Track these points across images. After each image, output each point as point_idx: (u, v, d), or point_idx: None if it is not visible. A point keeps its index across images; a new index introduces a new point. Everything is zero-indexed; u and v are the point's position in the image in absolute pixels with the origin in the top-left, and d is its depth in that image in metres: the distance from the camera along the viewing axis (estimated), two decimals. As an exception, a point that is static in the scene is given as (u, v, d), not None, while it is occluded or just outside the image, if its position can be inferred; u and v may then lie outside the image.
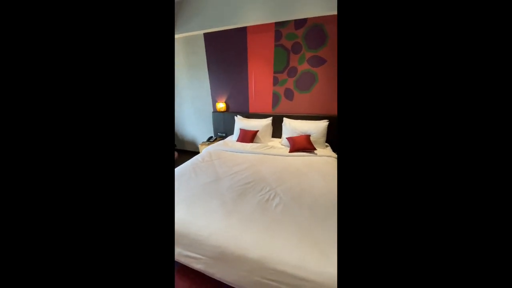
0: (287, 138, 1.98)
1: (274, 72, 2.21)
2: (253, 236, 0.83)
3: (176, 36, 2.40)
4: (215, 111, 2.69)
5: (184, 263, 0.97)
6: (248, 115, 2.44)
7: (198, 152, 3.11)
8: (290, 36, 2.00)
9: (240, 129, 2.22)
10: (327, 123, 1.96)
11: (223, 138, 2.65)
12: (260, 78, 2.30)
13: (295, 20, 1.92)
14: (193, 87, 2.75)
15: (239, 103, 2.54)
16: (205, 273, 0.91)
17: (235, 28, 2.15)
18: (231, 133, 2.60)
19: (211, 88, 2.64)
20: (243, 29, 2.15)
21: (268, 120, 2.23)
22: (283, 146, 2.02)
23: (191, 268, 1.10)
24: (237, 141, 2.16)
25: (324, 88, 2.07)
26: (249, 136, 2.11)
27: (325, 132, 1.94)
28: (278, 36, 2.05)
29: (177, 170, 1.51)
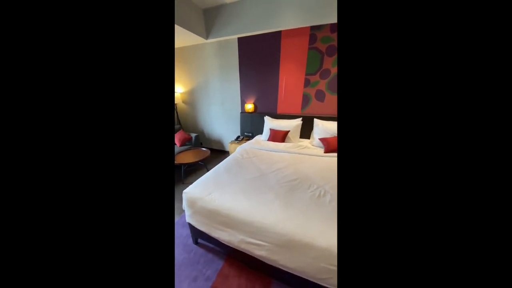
0: (320, 139, 2.02)
1: (306, 74, 2.27)
2: (318, 226, 0.89)
3: (210, 40, 2.55)
4: (243, 112, 2.80)
5: (244, 250, 1.05)
6: (276, 116, 2.52)
7: (225, 151, 3.24)
8: (325, 39, 2.06)
9: (270, 129, 2.30)
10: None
11: (249, 137, 2.74)
12: (291, 80, 2.37)
13: (331, 24, 1.98)
14: (223, 89, 2.88)
15: (268, 104, 2.62)
16: (264, 260, 0.99)
17: (269, 32, 2.25)
18: (258, 132, 2.69)
19: (240, 90, 2.75)
20: (278, 33, 2.24)
21: (298, 121, 2.28)
22: (315, 147, 2.06)
23: (239, 258, 1.18)
24: (267, 140, 2.24)
25: (357, 90, 2.09)
26: (280, 136, 2.18)
27: None
28: (312, 39, 2.11)
29: (224, 164, 1.61)
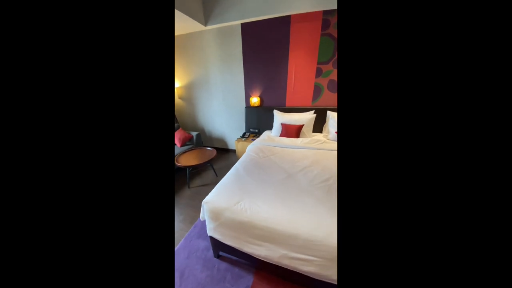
0: (337, 132, 1.90)
1: (318, 63, 2.11)
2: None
3: (209, 27, 2.28)
4: (248, 106, 2.60)
5: (286, 266, 0.90)
6: (285, 109, 2.35)
7: (229, 149, 3.04)
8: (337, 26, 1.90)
9: (282, 124, 2.14)
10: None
11: (256, 134, 2.57)
12: (301, 70, 2.20)
13: (347, 7, 1.82)
14: (225, 81, 2.64)
15: (275, 97, 2.44)
16: (313, 276, 0.85)
17: (277, 17, 2.04)
18: (265, 128, 2.52)
19: (245, 82, 2.53)
20: (287, 18, 2.04)
21: (311, 114, 2.14)
22: (332, 141, 1.94)
23: (271, 270, 1.03)
24: (280, 136, 2.08)
25: (374, 79, 1.98)
26: (294, 131, 2.03)
27: None
28: (325, 25, 1.95)
29: (242, 166, 1.43)
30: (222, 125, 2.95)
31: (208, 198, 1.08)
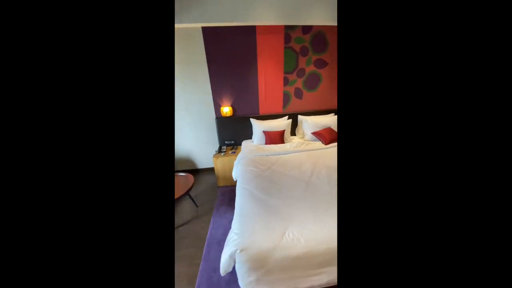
0: (314, 133, 2.14)
1: (284, 73, 2.29)
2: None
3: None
4: (220, 117, 2.37)
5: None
6: (259, 117, 2.36)
7: (200, 169, 2.58)
8: (298, 40, 2.17)
9: (264, 132, 2.12)
10: (337, 115, 2.31)
11: (232, 146, 2.39)
12: (270, 79, 2.30)
13: (302, 26, 2.11)
14: (187, 90, 2.25)
15: (248, 105, 2.39)
16: None
17: (242, 26, 2.01)
18: (242, 138, 2.40)
19: (212, 91, 2.29)
20: (252, 28, 2.06)
21: (286, 119, 2.28)
22: (311, 141, 2.15)
23: None
24: (266, 144, 2.06)
25: (328, 87, 2.42)
26: (277, 137, 2.07)
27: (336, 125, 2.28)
28: (287, 39, 2.15)
29: (250, 186, 1.25)
30: (188, 141, 2.49)
31: (238, 243, 0.83)
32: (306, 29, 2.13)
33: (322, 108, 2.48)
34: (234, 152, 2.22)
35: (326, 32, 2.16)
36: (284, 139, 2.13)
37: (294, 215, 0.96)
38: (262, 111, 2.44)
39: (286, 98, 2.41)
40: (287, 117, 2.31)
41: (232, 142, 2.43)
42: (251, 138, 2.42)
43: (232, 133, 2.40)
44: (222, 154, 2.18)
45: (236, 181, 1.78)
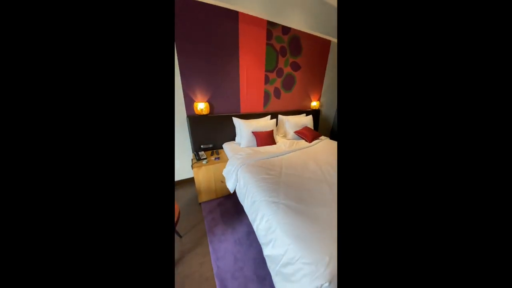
0: (296, 132, 2.21)
1: (265, 71, 2.21)
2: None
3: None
4: (193, 115, 1.90)
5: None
6: (240, 116, 2.14)
7: (179, 181, 1.91)
8: (278, 39, 2.15)
9: (254, 132, 1.93)
10: (311, 115, 2.54)
11: (212, 151, 2.01)
12: (252, 74, 2.13)
13: (282, 26, 2.11)
14: None
15: (228, 102, 2.09)
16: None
17: (223, 9, 1.71)
18: (223, 140, 2.08)
19: (183, 83, 1.78)
20: (235, 14, 1.79)
21: (269, 119, 2.21)
22: (296, 140, 2.20)
23: None
24: (258, 146, 1.88)
25: (300, 89, 2.59)
26: (268, 138, 1.95)
27: (312, 122, 2.50)
28: (269, 35, 2.07)
29: (280, 196, 1.05)
30: None
31: (324, 272, 0.64)
32: (285, 30, 2.15)
33: (296, 108, 2.63)
34: (218, 159, 1.85)
35: (301, 36, 2.30)
36: (274, 139, 2.04)
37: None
38: (244, 109, 2.22)
39: (267, 97, 2.33)
40: (269, 116, 2.24)
41: (210, 145, 2.03)
42: (233, 139, 2.14)
43: (209, 134, 2.00)
44: (204, 162, 1.75)
45: (234, 192, 1.49)
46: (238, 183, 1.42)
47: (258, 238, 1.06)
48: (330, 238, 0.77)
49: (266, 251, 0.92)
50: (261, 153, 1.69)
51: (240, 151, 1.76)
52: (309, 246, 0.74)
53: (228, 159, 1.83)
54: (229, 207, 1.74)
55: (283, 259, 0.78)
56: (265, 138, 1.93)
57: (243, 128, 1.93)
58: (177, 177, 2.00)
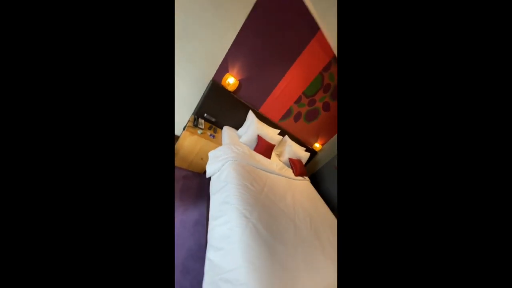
0: (290, 159, 2.25)
1: (302, 93, 2.21)
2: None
3: None
4: (217, 83, 1.78)
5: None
6: (257, 114, 2.09)
7: None
8: (331, 76, 2.19)
9: (259, 136, 1.90)
10: (309, 153, 2.61)
11: (212, 124, 1.92)
12: (290, 87, 2.11)
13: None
14: (199, 32, 1.46)
15: (255, 94, 2.02)
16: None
17: (309, 15, 1.66)
18: (225, 123, 2.01)
19: (230, 50, 1.66)
20: (315, 29, 1.76)
21: (277, 134, 2.16)
22: (285, 166, 2.21)
23: None
24: (255, 150, 1.85)
25: (317, 126, 2.66)
26: (268, 149, 1.94)
27: (306, 159, 2.56)
28: (327, 67, 2.09)
29: (254, 214, 1.03)
30: None
31: None
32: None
33: (303, 140, 2.69)
34: (213, 136, 1.77)
35: (347, 87, 2.38)
36: (272, 154, 2.04)
37: (296, 268, 0.92)
38: (263, 109, 2.17)
39: (287, 114, 2.34)
40: (278, 131, 2.24)
41: (213, 120, 1.93)
42: (236, 128, 2.07)
43: (219, 110, 1.90)
44: (199, 132, 1.65)
45: (205, 176, 1.42)
46: (219, 173, 1.37)
47: (208, 235, 1.02)
48: (280, 280, 0.78)
49: (211, 255, 0.89)
50: (255, 160, 1.67)
51: (237, 145, 1.71)
52: (259, 279, 0.74)
53: (221, 144, 1.76)
54: (193, 186, 1.66)
55: (227, 275, 0.76)
56: (265, 148, 1.91)
57: (253, 126, 1.89)
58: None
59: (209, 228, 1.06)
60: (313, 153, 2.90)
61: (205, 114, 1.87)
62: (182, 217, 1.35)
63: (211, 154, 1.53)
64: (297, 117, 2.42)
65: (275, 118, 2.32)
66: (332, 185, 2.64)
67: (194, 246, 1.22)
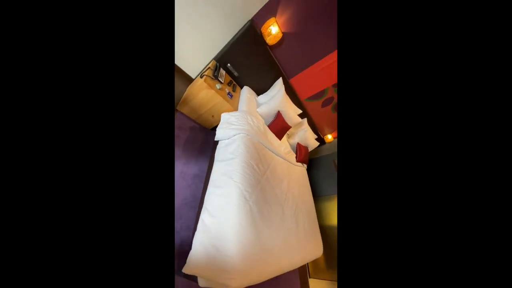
0: (298, 145, 2.13)
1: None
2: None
3: None
4: (254, 28, 1.37)
5: None
6: (286, 84, 1.77)
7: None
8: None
9: (279, 112, 1.68)
10: (318, 143, 2.46)
11: (232, 79, 1.64)
12: (332, 69, 1.70)
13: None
14: None
15: (292, 60, 1.65)
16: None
17: None
18: (247, 83, 1.73)
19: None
20: None
21: (298, 116, 1.90)
22: (291, 150, 2.07)
23: None
24: (270, 127, 1.67)
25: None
26: (283, 131, 1.76)
27: (314, 148, 2.42)
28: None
29: (253, 197, 1.01)
30: (185, 20, 1.16)
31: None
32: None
33: (320, 127, 2.49)
34: (231, 96, 1.53)
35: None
36: (284, 135, 1.87)
37: (273, 249, 0.99)
38: (295, 81, 1.84)
39: (319, 95, 2.02)
40: (301, 114, 1.98)
41: (236, 74, 1.62)
42: (258, 92, 1.80)
43: (247, 65, 1.58)
44: (217, 86, 1.39)
45: (212, 133, 1.32)
46: (228, 142, 1.26)
47: (205, 197, 1.05)
48: (259, 258, 0.87)
49: (205, 217, 0.93)
50: (266, 139, 1.53)
51: (254, 115, 1.51)
52: (242, 256, 0.80)
53: (237, 107, 1.55)
54: (197, 139, 1.58)
55: (216, 242, 0.82)
56: (280, 128, 1.73)
57: (278, 98, 1.62)
58: (179, 62, 1.50)
59: (207, 192, 1.06)
60: (321, 143, 2.78)
61: (228, 64, 1.55)
62: (182, 168, 1.34)
63: (224, 117, 1.36)
64: (327, 102, 2.12)
65: (303, 95, 2.01)
66: (323, 176, 2.64)
67: (190, 197, 1.27)
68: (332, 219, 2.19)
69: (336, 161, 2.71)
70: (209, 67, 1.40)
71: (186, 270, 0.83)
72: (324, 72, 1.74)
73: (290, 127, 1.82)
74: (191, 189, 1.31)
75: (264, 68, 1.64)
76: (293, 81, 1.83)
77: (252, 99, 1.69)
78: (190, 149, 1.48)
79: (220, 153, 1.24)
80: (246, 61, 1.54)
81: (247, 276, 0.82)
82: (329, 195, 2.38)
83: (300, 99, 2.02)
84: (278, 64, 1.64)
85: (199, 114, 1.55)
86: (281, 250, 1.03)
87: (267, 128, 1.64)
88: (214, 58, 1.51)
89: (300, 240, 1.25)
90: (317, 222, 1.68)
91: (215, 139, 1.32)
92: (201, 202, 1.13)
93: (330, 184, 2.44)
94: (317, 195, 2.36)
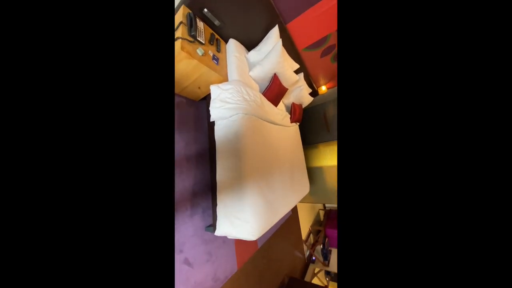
0: (293, 105, 2.02)
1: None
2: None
3: None
4: None
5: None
6: (283, 30, 1.42)
7: None
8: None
9: (275, 74, 1.45)
10: (311, 99, 2.34)
11: (214, 33, 1.26)
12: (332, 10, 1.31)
13: None
14: None
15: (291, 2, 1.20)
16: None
17: None
18: (234, 35, 1.38)
19: None
20: None
21: (295, 74, 1.65)
22: (287, 112, 1.93)
23: None
24: (265, 95, 1.48)
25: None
26: (280, 96, 1.58)
27: (307, 103, 2.32)
28: None
29: (263, 181, 1.13)
30: None
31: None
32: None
33: (316, 76, 2.28)
34: (217, 61, 1.22)
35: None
36: (281, 100, 1.70)
37: (278, 206, 1.25)
38: (292, 26, 1.45)
39: (319, 43, 1.68)
40: (297, 68, 1.73)
41: (216, 22, 1.21)
42: (247, 47, 1.46)
43: (227, 5, 1.15)
44: (199, 52, 1.06)
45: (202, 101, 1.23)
46: (227, 123, 1.17)
47: (217, 184, 1.14)
48: (269, 217, 1.13)
49: (223, 197, 1.08)
50: (264, 111, 1.40)
51: (248, 85, 1.30)
52: (258, 220, 1.03)
53: (227, 73, 1.30)
54: (189, 116, 1.38)
55: (237, 214, 1.02)
56: (276, 93, 1.55)
57: (274, 56, 1.32)
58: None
59: (217, 177, 1.14)
60: (314, 95, 2.66)
61: (205, 10, 1.11)
62: (185, 152, 1.30)
63: (215, 92, 1.16)
64: (327, 51, 1.81)
65: (301, 45, 1.67)
66: (312, 127, 2.70)
67: (199, 175, 1.34)
68: (316, 162, 2.52)
69: (326, 113, 2.74)
70: (181, 22, 1.00)
71: (217, 233, 1.07)
72: (326, 15, 1.36)
73: (287, 89, 1.65)
74: (199, 171, 1.34)
75: (254, 10, 1.21)
76: (290, 26, 1.44)
77: (242, 59, 1.38)
78: (186, 129, 1.36)
79: (220, 135, 1.19)
80: (234, 8, 1.10)
81: (261, 231, 1.09)
82: (316, 144, 2.61)
83: (297, 50, 1.69)
84: (272, 2, 1.21)
85: (183, 87, 1.29)
86: (282, 204, 1.30)
87: (263, 97, 1.48)
88: (184, 2, 1.04)
89: (295, 189, 1.56)
90: (305, 169, 1.99)
91: (211, 120, 1.21)
92: (212, 180, 1.20)
93: (320, 134, 2.60)
94: (306, 145, 2.57)
